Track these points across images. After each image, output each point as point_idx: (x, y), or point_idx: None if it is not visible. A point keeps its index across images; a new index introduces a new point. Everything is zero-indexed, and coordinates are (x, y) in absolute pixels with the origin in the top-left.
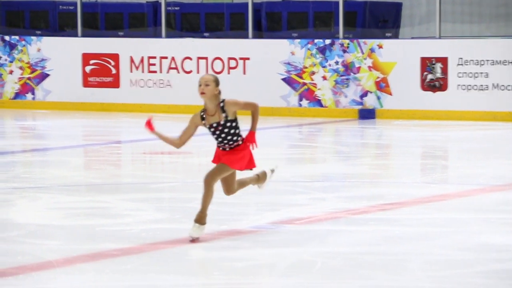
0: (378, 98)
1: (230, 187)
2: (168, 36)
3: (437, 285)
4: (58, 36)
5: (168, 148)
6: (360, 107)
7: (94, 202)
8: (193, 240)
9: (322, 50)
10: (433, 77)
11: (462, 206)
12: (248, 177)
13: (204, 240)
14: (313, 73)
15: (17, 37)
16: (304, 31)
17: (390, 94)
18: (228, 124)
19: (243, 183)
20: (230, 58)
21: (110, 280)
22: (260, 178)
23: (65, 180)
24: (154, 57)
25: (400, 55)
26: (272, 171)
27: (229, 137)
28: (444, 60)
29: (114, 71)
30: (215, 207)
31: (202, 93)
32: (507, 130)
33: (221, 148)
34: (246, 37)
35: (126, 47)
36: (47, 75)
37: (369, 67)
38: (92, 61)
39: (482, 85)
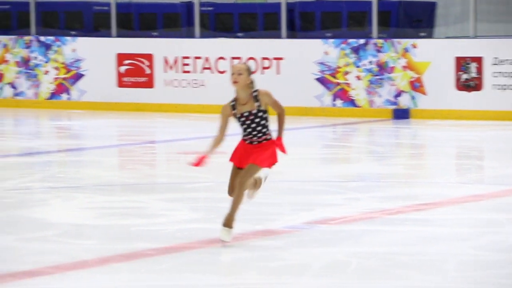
0: (413, 98)
1: (234, 187)
2: (202, 36)
3: (471, 286)
4: (92, 36)
5: (202, 148)
6: (394, 107)
7: (128, 202)
8: (224, 242)
9: (356, 50)
10: (468, 76)
11: (497, 206)
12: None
13: (239, 240)
14: (346, 73)
15: (52, 38)
16: (338, 30)
17: (425, 94)
18: (260, 114)
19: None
20: (263, 58)
21: (145, 280)
22: (256, 184)
23: (100, 180)
24: (188, 57)
25: (434, 54)
26: (265, 178)
27: (258, 128)
28: (479, 60)
29: (148, 71)
30: (250, 207)
31: (235, 82)
32: None
33: (247, 142)
34: (280, 37)
35: (160, 47)
36: (82, 75)
37: (403, 66)
38: (126, 61)
39: None
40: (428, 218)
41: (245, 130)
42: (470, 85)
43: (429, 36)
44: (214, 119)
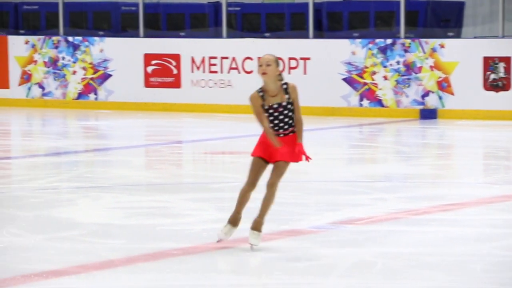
0: (440, 98)
1: (256, 181)
2: (229, 36)
3: (498, 287)
4: (120, 36)
5: (229, 148)
6: (421, 107)
7: (155, 201)
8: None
9: (383, 50)
10: (496, 76)
11: None
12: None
13: (265, 240)
14: (374, 73)
15: (80, 38)
16: (365, 30)
17: (452, 94)
18: (289, 106)
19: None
20: (290, 58)
21: (171, 280)
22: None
23: (127, 180)
24: (215, 57)
25: (462, 54)
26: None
27: (286, 120)
28: (507, 60)
29: (175, 71)
30: (276, 207)
31: (264, 73)
32: None
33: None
34: (307, 37)
35: (187, 48)
36: (110, 75)
37: (431, 66)
38: (153, 62)
39: None
40: (455, 219)
41: (271, 122)
42: (498, 85)
43: (457, 36)
44: (241, 119)
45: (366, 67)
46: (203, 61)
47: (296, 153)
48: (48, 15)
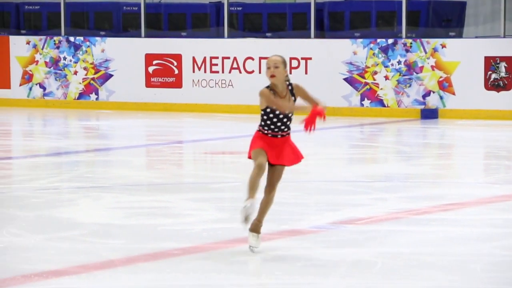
0: (441, 97)
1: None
2: (231, 36)
3: (499, 287)
4: (121, 37)
5: (230, 148)
6: (422, 107)
7: (156, 201)
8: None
9: (385, 50)
10: (497, 76)
11: None
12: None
13: (264, 240)
14: (375, 72)
15: (81, 38)
16: (367, 30)
17: (453, 93)
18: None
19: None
20: (292, 58)
21: (172, 280)
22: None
23: (128, 180)
24: (217, 57)
25: (463, 54)
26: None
27: (288, 123)
28: (508, 59)
29: (176, 71)
30: (276, 207)
31: (272, 76)
32: None
33: (270, 135)
34: (308, 37)
35: (188, 48)
36: (111, 75)
37: (432, 66)
38: (155, 62)
39: None
40: (455, 219)
41: (275, 123)
42: (499, 84)
43: (459, 35)
44: (242, 119)
45: (367, 67)
46: (204, 61)
47: (293, 159)
48: (49, 15)
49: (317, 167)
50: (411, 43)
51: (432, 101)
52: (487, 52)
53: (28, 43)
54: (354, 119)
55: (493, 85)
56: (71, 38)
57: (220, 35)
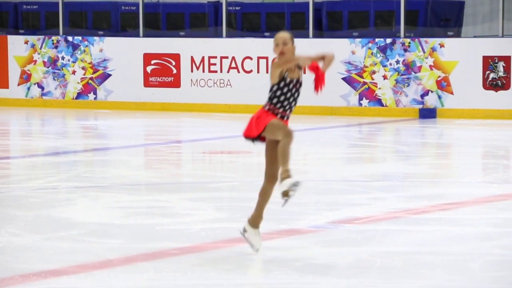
0: (439, 97)
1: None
2: (229, 36)
3: (498, 286)
4: (120, 36)
5: (228, 147)
6: (421, 106)
7: (154, 201)
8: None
9: (383, 49)
10: (496, 76)
11: None
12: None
13: (264, 239)
14: (373, 72)
15: (79, 38)
16: (365, 30)
17: (452, 93)
18: (300, 81)
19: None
20: None
21: (170, 279)
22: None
23: (126, 180)
24: (215, 57)
25: (462, 54)
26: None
27: (298, 98)
28: (507, 59)
29: (175, 71)
30: (274, 206)
31: (281, 53)
32: None
33: (279, 116)
34: (307, 36)
35: (187, 47)
36: (109, 75)
37: (430, 66)
38: (153, 61)
39: None
40: (454, 218)
41: (287, 99)
42: (498, 84)
43: (457, 35)
44: (240, 118)
45: (366, 67)
46: (202, 60)
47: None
48: (47, 14)
49: (316, 166)
50: (409, 43)
51: (431, 101)
52: (485, 51)
53: (26, 42)
54: (352, 119)
55: (491, 85)
56: (69, 38)
57: (219, 35)
